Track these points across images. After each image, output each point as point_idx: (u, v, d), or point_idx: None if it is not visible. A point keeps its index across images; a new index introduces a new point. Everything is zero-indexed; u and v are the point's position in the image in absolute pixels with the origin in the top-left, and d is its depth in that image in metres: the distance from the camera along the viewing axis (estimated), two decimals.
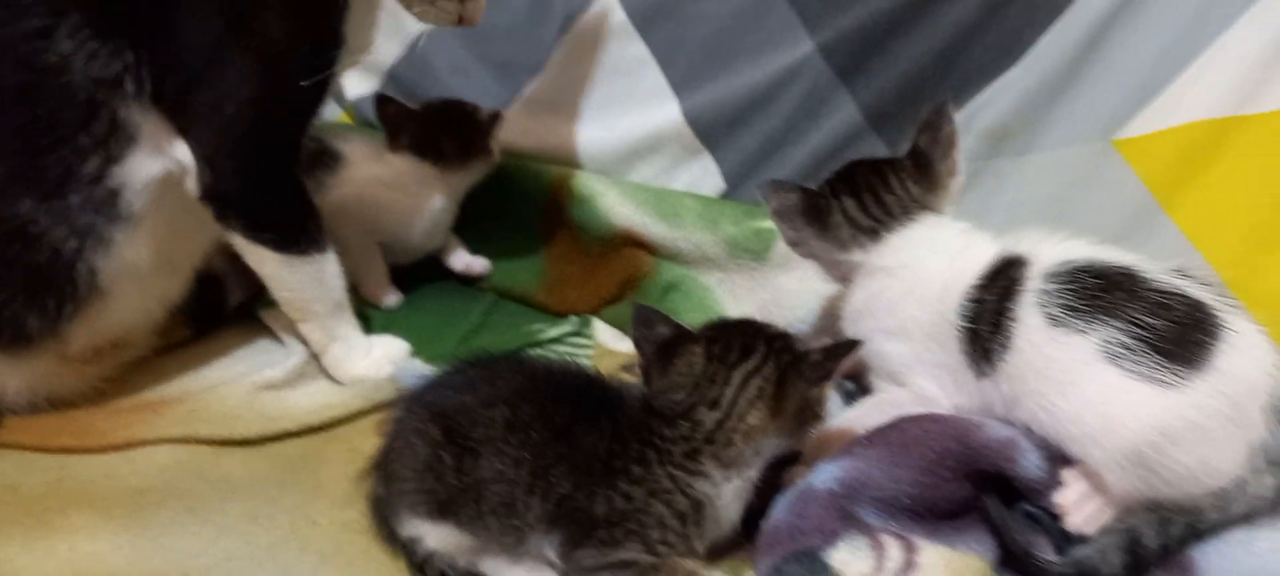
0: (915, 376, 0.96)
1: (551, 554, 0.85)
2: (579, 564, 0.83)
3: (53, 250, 1.01)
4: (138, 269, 1.05)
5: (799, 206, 1.01)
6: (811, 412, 0.86)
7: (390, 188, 1.31)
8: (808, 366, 0.84)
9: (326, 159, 1.30)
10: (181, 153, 1.01)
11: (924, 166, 1.00)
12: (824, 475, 0.86)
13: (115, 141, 0.99)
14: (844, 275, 1.03)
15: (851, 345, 0.86)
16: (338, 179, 1.30)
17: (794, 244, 1.03)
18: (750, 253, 1.26)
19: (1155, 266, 0.85)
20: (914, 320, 0.95)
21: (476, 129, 1.33)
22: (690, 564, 0.84)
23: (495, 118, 1.35)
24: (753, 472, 0.86)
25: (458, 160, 1.32)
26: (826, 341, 0.86)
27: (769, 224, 1.24)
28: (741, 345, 0.85)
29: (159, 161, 1.02)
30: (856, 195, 1.00)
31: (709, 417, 0.83)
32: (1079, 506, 0.84)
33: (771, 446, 0.86)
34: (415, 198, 1.32)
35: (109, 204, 1.01)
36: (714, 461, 0.84)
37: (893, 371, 0.98)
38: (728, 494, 0.85)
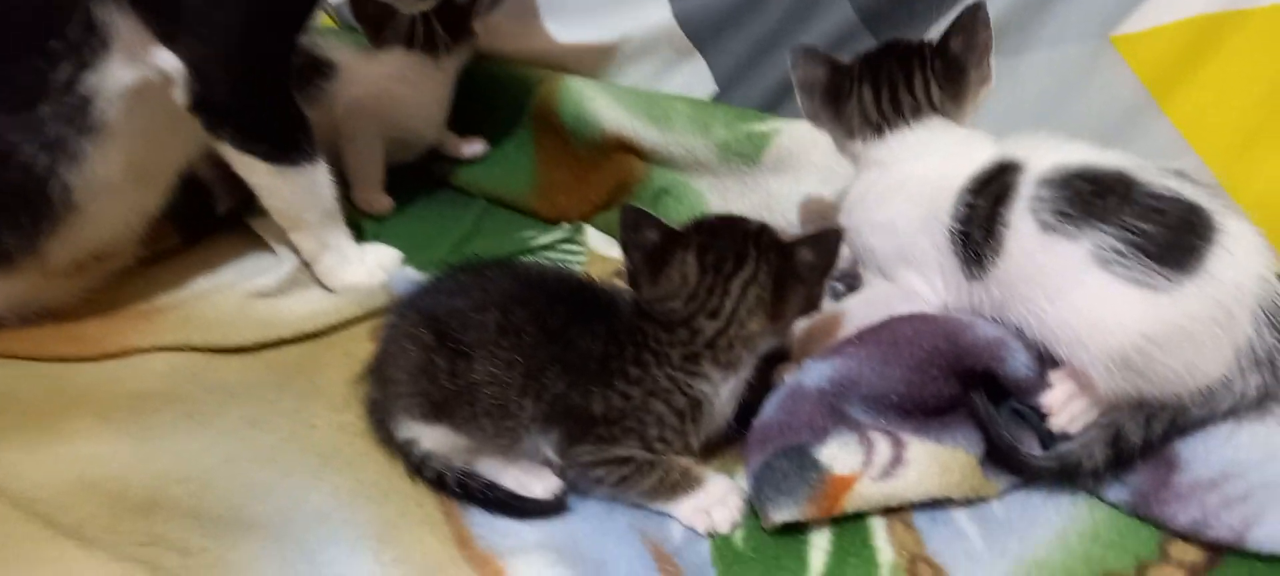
0: (902, 271, 0.95)
1: (549, 451, 0.86)
2: (576, 459, 0.84)
3: (23, 167, 0.98)
4: (112, 182, 1.03)
5: (823, 83, 0.99)
6: (809, 306, 0.86)
7: (398, 81, 1.34)
8: (803, 267, 0.84)
9: (321, 67, 1.31)
10: (164, 60, 0.99)
11: (955, 71, 0.96)
12: (814, 374, 0.88)
13: (88, 47, 0.96)
14: (851, 159, 1.02)
15: (836, 234, 0.85)
16: (342, 83, 1.32)
17: (810, 117, 1.01)
18: (742, 156, 1.24)
19: (1152, 168, 0.84)
20: (903, 215, 0.94)
21: (459, 12, 1.35)
22: (685, 461, 0.85)
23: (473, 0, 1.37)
24: (748, 371, 0.87)
25: (448, 45, 1.34)
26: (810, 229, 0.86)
27: (761, 127, 1.24)
28: (734, 252, 0.84)
29: (134, 69, 0.99)
30: (876, 87, 0.96)
31: (709, 326, 0.84)
32: (1065, 406, 0.85)
33: (767, 343, 0.87)
34: (418, 87, 1.36)
35: (80, 114, 0.98)
36: (713, 364, 0.84)
37: (880, 265, 0.97)
38: (725, 393, 0.86)
